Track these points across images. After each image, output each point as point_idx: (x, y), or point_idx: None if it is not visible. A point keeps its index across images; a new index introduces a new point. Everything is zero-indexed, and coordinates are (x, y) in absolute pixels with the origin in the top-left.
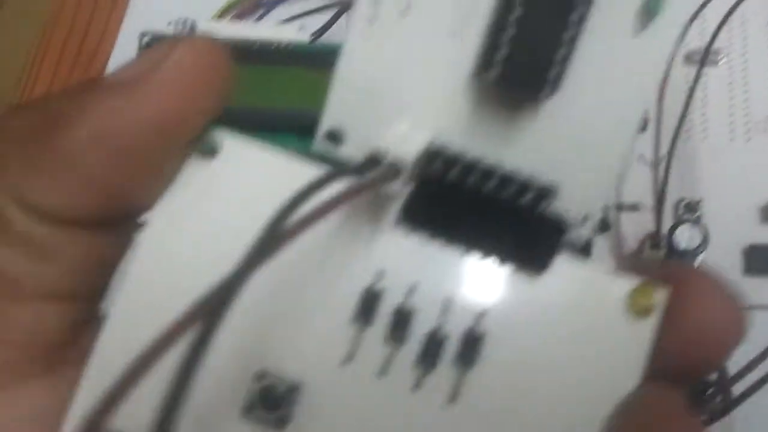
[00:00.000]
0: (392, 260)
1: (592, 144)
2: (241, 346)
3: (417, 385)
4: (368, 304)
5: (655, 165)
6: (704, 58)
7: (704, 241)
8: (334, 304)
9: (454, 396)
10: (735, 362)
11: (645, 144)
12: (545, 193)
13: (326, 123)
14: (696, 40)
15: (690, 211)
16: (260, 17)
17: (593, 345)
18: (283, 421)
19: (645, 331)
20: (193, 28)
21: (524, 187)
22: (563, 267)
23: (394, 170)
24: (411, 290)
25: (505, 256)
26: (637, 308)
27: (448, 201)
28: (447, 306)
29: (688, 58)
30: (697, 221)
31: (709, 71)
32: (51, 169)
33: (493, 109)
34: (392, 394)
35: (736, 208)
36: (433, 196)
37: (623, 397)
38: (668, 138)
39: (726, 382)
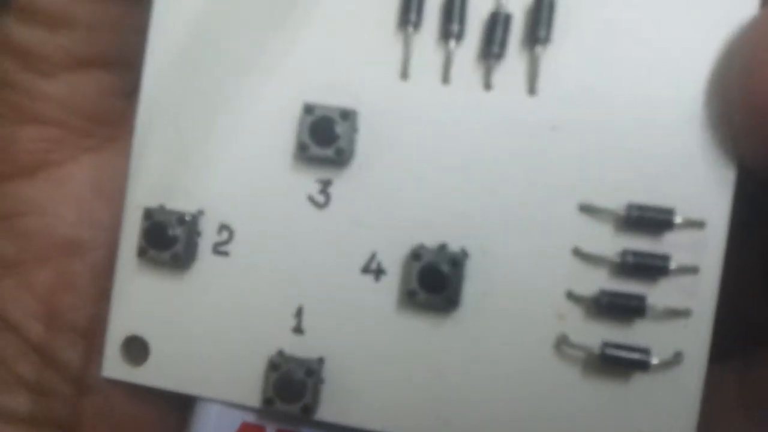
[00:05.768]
0: None
1: None
2: (284, 88)
3: (487, 83)
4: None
5: None
6: None
7: None
8: (375, 16)
9: (532, 86)
10: None
11: None
12: None
13: None
14: None
15: None
16: None
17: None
18: (341, 156)
19: None
20: None
21: None
22: None
23: None
24: None
25: None
26: None
27: None
28: None
29: None
30: None
31: None
32: None
33: None
34: (463, 102)
35: None
36: None
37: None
38: None
39: None
